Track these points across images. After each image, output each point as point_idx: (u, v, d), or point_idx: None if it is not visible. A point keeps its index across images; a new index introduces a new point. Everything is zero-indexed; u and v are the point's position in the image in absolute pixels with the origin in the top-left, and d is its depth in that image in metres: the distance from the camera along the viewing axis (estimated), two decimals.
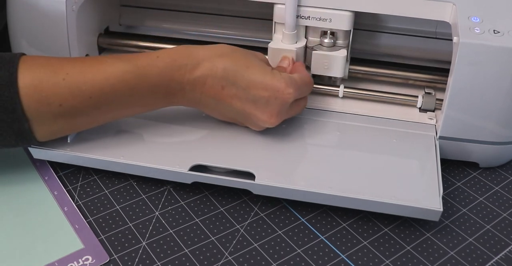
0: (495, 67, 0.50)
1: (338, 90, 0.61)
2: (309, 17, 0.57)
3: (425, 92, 0.60)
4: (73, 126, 0.51)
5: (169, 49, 0.52)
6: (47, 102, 0.48)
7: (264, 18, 0.66)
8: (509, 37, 0.49)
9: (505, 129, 0.53)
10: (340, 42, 0.59)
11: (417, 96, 0.59)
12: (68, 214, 0.51)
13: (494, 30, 0.50)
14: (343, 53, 0.58)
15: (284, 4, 0.56)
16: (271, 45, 0.59)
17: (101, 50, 0.67)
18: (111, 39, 0.67)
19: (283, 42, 0.58)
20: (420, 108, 0.59)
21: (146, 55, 0.51)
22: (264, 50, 0.60)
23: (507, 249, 0.49)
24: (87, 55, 0.64)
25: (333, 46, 0.58)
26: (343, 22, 0.56)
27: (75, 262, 0.47)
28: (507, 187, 0.55)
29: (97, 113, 0.50)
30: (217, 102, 0.52)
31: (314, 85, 0.61)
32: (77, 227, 0.50)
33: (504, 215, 0.52)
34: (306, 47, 0.59)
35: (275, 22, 0.58)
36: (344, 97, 0.61)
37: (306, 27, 0.58)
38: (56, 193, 0.53)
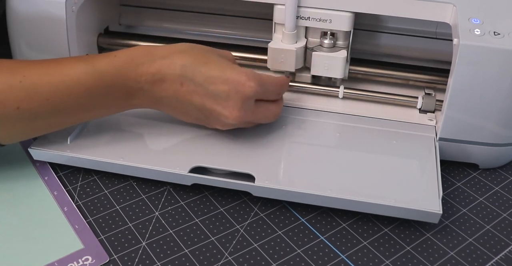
0: (495, 69, 0.50)
1: (338, 91, 0.61)
2: (309, 18, 0.57)
3: (425, 93, 0.60)
4: (33, 130, 0.51)
5: (127, 49, 0.51)
6: (4, 105, 0.47)
7: (264, 18, 0.66)
8: (509, 39, 0.49)
9: (505, 130, 0.53)
10: (340, 43, 0.59)
11: (417, 97, 0.59)
12: (68, 214, 0.51)
13: (494, 32, 0.50)
14: (343, 54, 0.58)
15: (284, 5, 0.56)
16: (271, 45, 0.59)
17: (101, 50, 0.67)
18: (111, 39, 0.66)
19: (283, 42, 0.58)
20: (420, 109, 0.59)
21: (104, 55, 0.50)
22: (264, 50, 0.60)
23: (507, 249, 0.49)
24: (87, 55, 0.64)
25: (333, 47, 0.58)
26: (343, 23, 0.56)
27: (74, 262, 0.47)
28: (507, 187, 0.55)
29: (57, 116, 0.49)
30: (177, 101, 0.51)
31: (314, 86, 0.61)
32: (77, 227, 0.50)
33: (504, 215, 0.52)
34: (306, 47, 0.59)
35: (275, 22, 0.58)
36: (344, 98, 0.61)
37: (306, 27, 0.58)
38: (56, 193, 0.53)
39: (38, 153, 0.54)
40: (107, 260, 0.47)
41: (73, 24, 0.57)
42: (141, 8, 0.70)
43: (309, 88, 0.62)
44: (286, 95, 0.61)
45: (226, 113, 0.50)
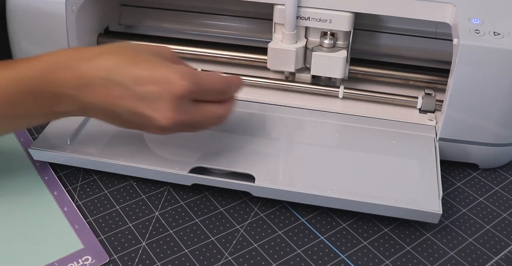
0: (495, 69, 0.50)
1: (338, 91, 0.61)
2: (309, 18, 0.57)
3: (425, 93, 0.60)
4: None
5: (52, 52, 0.47)
6: None
7: (264, 18, 0.66)
8: (509, 39, 0.49)
9: (505, 130, 0.53)
10: (340, 43, 0.59)
11: (417, 97, 0.59)
12: (68, 214, 0.51)
13: (494, 32, 0.50)
14: (343, 54, 0.58)
15: (284, 5, 0.56)
16: (271, 45, 0.59)
17: None
18: (111, 39, 0.66)
19: (283, 42, 0.58)
20: (420, 109, 0.59)
21: (28, 59, 0.46)
22: (264, 50, 0.60)
23: (507, 249, 0.49)
24: None
25: (333, 47, 0.58)
26: (343, 23, 0.56)
27: (74, 262, 0.47)
28: (507, 187, 0.55)
29: None
30: (107, 107, 0.46)
31: (314, 86, 0.61)
32: (77, 227, 0.50)
33: (504, 215, 0.52)
34: (306, 47, 0.59)
35: (275, 22, 0.58)
36: (344, 98, 0.61)
37: (306, 27, 0.58)
38: (56, 193, 0.53)
39: (38, 153, 0.54)
40: (107, 260, 0.47)
41: (73, 24, 0.57)
42: (141, 8, 0.70)
43: (309, 88, 0.62)
44: (287, 95, 0.62)
45: (158, 116, 0.45)
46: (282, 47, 0.58)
